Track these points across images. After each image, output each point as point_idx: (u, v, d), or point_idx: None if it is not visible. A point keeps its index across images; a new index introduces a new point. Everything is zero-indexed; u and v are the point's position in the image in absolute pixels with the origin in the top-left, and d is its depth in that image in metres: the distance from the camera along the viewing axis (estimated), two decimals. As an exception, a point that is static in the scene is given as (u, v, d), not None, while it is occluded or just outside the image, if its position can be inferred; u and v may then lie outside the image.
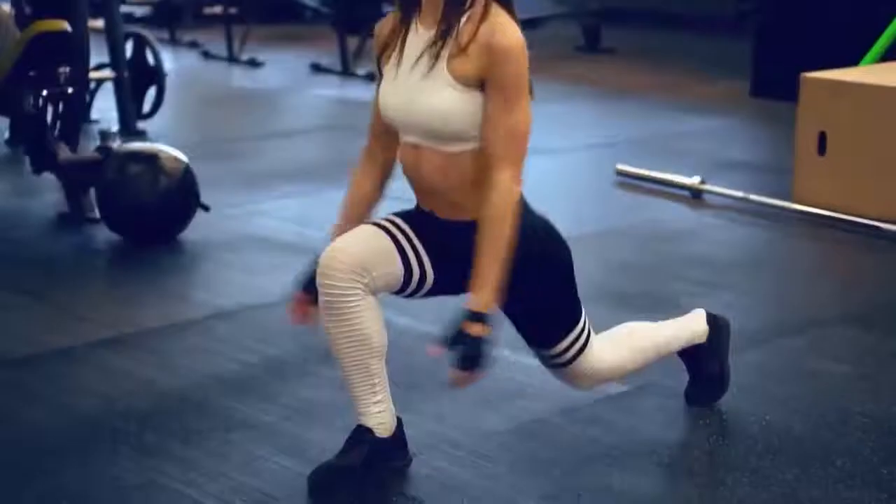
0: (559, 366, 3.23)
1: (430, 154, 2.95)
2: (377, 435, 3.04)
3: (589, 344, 3.21)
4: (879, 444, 3.33)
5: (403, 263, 2.99)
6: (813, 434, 3.40)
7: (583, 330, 3.19)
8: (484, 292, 2.87)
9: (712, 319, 3.55)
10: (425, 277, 3.04)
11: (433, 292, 3.11)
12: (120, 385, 3.69)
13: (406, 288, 3.04)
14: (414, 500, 3.01)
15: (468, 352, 2.87)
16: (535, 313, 3.15)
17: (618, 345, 3.33)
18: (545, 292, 3.09)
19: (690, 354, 3.52)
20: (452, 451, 3.26)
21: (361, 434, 3.05)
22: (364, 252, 2.94)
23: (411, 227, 3.04)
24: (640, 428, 3.43)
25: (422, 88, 2.91)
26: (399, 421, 3.11)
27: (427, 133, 2.94)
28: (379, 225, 3.04)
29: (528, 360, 3.88)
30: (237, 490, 3.04)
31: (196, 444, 3.30)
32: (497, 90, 2.86)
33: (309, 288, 3.07)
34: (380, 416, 3.04)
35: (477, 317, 2.87)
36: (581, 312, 3.19)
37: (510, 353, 3.95)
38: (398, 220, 3.06)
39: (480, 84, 2.88)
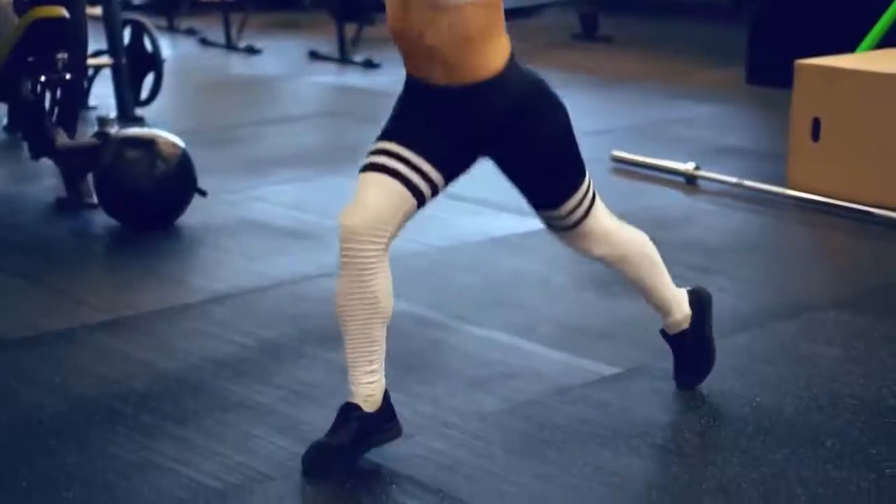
0: (567, 228, 3.28)
1: (422, 9, 2.95)
2: (365, 410, 3.09)
3: (595, 205, 3.29)
4: (868, 426, 3.37)
5: (414, 194, 3.05)
6: (803, 416, 3.44)
7: (588, 190, 3.26)
8: None
9: (696, 299, 3.57)
10: (436, 186, 3.10)
11: (446, 186, 3.15)
12: (117, 367, 3.73)
13: (423, 205, 3.11)
14: (408, 479, 3.05)
15: None
16: (538, 171, 3.17)
17: (623, 227, 3.44)
18: (545, 147, 3.12)
19: (675, 337, 3.55)
20: (447, 431, 3.29)
21: (349, 412, 3.10)
22: (378, 208, 3.01)
23: (409, 138, 3.06)
24: (633, 409, 3.46)
25: None
26: (386, 393, 3.15)
27: None
28: (380, 168, 3.05)
29: (522, 343, 3.94)
30: (233, 469, 3.08)
31: (192, 425, 3.33)
32: None
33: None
34: (370, 388, 3.09)
35: None
36: (585, 172, 3.25)
37: (506, 336, 4.00)
38: (393, 147, 3.06)
39: None
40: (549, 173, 3.17)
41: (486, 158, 3.18)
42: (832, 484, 3.05)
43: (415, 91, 3.11)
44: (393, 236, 3.05)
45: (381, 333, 3.08)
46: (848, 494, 3.00)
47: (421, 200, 3.07)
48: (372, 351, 3.08)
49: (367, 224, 2.99)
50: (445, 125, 3.07)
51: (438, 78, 3.03)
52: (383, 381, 3.13)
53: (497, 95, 3.03)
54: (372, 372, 3.10)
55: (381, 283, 3.03)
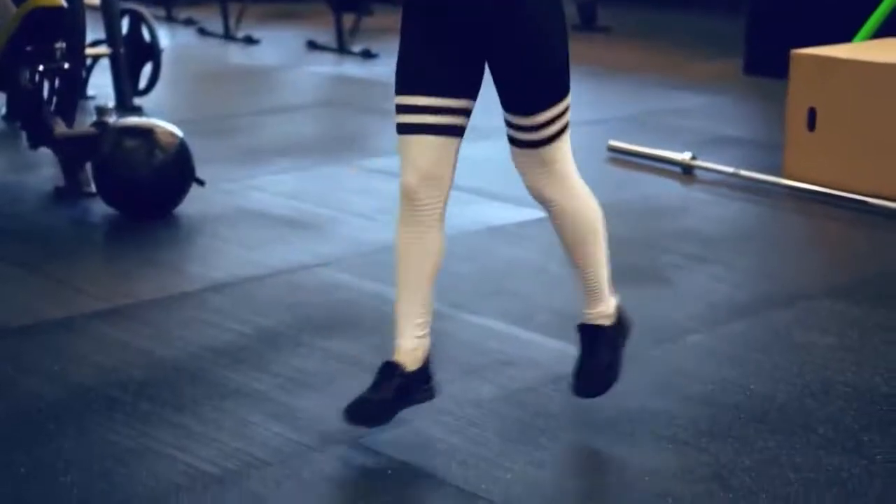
0: (533, 145, 3.15)
1: None
2: (406, 369, 3.17)
3: (566, 136, 3.19)
4: (861, 413, 3.40)
5: (452, 133, 3.12)
6: (796, 403, 3.46)
7: (565, 112, 3.17)
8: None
9: (622, 314, 3.45)
10: (468, 110, 3.15)
11: (476, 97, 3.17)
12: (116, 355, 3.75)
13: (465, 131, 3.17)
14: (404, 464, 3.07)
15: None
16: (527, 68, 3.08)
17: (585, 187, 3.33)
18: (539, 45, 3.07)
19: (591, 328, 3.40)
20: (442, 418, 3.32)
21: (392, 369, 3.17)
22: (428, 164, 3.10)
23: (422, 82, 3.09)
24: (627, 396, 3.48)
25: None
26: (428, 355, 3.23)
27: None
28: (414, 129, 3.11)
29: (519, 331, 3.96)
30: (229, 455, 3.11)
31: (190, 412, 3.36)
32: None
33: None
34: (417, 342, 3.19)
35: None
36: (568, 91, 3.17)
37: (502, 324, 4.02)
38: (415, 101, 3.09)
39: None
40: (536, 72, 3.08)
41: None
42: (824, 470, 3.07)
43: (415, 15, 3.11)
44: (450, 183, 3.15)
45: (431, 289, 3.19)
46: (840, 480, 3.02)
47: (460, 132, 3.14)
48: (425, 304, 3.18)
49: (423, 180, 3.10)
50: (448, 42, 3.07)
51: None
52: (429, 338, 3.22)
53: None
54: (421, 324, 3.19)
55: (440, 236, 3.17)
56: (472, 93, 3.14)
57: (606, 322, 3.39)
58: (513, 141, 3.20)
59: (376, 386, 3.18)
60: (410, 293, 3.17)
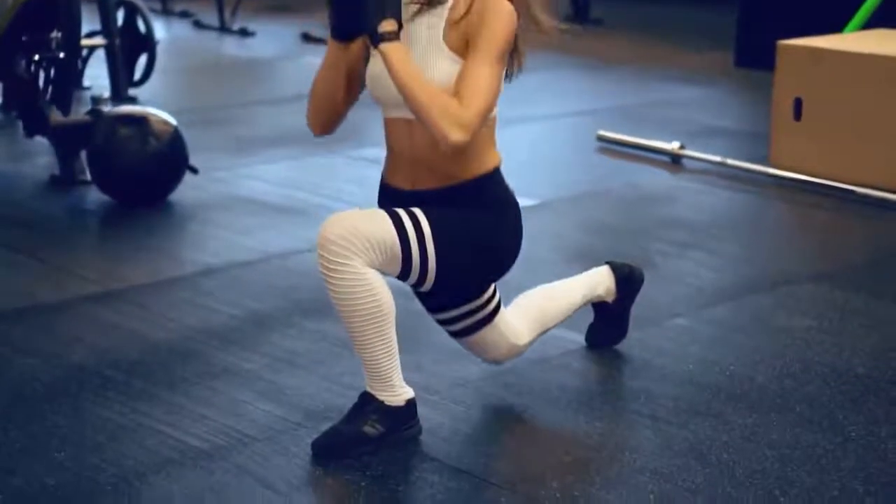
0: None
1: (424, 128, 2.98)
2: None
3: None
4: (838, 392, 3.47)
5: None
6: (775, 383, 3.54)
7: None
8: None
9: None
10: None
11: None
12: (109, 336, 3.83)
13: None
14: (392, 443, 3.14)
15: None
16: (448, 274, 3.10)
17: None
18: (461, 237, 3.08)
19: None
20: (429, 397, 3.39)
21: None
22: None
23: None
24: (609, 377, 3.57)
25: (420, 64, 2.99)
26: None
27: None
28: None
29: (503, 313, 4.03)
30: (219, 431, 3.18)
31: (181, 391, 3.43)
32: (474, 46, 2.97)
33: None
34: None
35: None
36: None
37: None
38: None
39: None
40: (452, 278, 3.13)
41: None
42: (800, 446, 3.15)
43: (383, 197, 3.20)
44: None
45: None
46: (815, 456, 3.10)
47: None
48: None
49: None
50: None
51: (415, 185, 3.10)
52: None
53: (460, 192, 3.07)
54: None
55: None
56: None
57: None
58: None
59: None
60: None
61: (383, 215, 3.03)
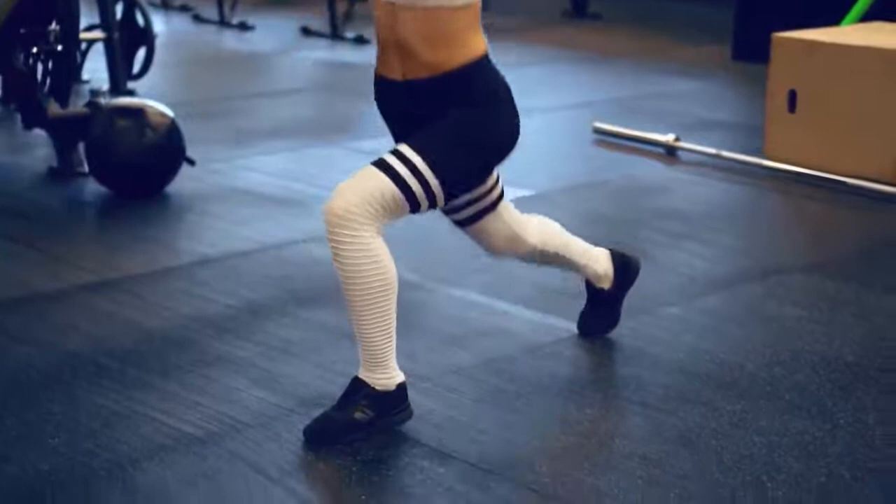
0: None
1: (406, 11, 3.05)
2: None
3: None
4: (827, 380, 3.50)
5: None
6: (765, 371, 3.56)
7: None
8: None
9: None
10: None
11: None
12: (105, 325, 3.86)
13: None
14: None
15: None
16: (447, 126, 3.09)
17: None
18: (458, 126, 3.09)
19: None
20: (421, 384, 3.41)
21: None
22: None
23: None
24: (600, 365, 3.60)
25: None
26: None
27: None
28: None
29: (499, 303, 4.07)
30: (212, 418, 3.21)
31: (176, 378, 3.46)
32: None
33: None
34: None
35: None
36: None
37: (484, 297, 4.12)
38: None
39: None
40: (442, 132, 3.09)
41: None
42: (788, 433, 3.18)
43: (378, 92, 3.22)
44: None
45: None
46: (803, 442, 3.13)
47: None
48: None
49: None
50: (401, 118, 3.19)
51: (405, 74, 3.11)
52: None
53: (449, 84, 3.08)
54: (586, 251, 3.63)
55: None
56: None
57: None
58: (376, 161, 3.12)
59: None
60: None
61: (373, 171, 3.04)
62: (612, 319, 3.77)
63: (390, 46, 3.13)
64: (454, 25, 3.05)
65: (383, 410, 3.11)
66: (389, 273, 3.06)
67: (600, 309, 3.75)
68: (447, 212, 3.39)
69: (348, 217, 2.99)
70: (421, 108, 3.12)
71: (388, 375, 3.12)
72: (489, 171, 3.31)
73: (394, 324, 3.10)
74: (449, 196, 3.15)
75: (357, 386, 3.12)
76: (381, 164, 3.05)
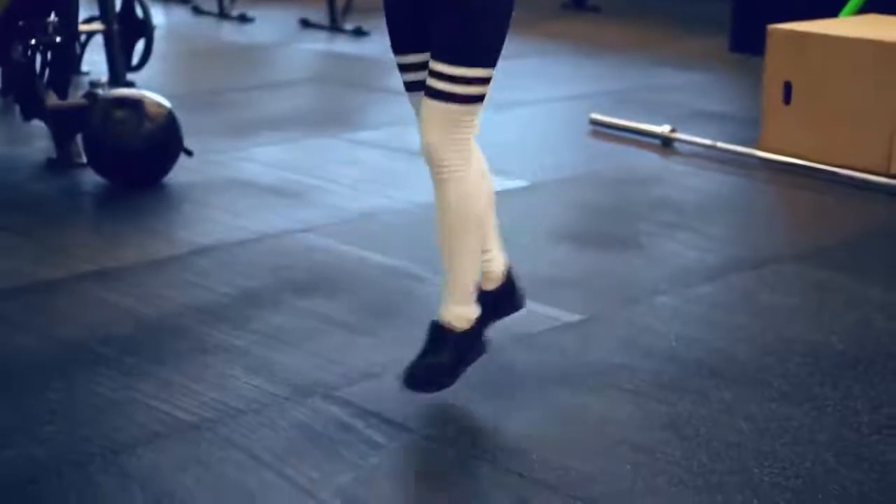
0: (447, 97, 3.11)
1: None
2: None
3: (479, 108, 3.16)
4: (816, 369, 3.53)
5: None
6: (755, 359, 3.60)
7: (485, 82, 3.16)
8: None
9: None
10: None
11: None
12: (102, 314, 3.89)
13: None
14: (371, 413, 3.21)
15: None
16: (454, 23, 3.09)
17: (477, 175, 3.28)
18: (479, 13, 3.08)
19: (437, 334, 3.33)
20: (413, 372, 3.45)
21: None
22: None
23: (404, 43, 3.25)
24: (592, 353, 3.63)
25: None
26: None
27: None
28: (411, 86, 3.28)
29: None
30: (207, 405, 3.25)
31: (172, 366, 3.50)
32: None
33: None
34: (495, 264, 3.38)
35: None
36: (493, 65, 3.17)
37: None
38: (404, 59, 3.26)
39: None
40: (464, 28, 3.08)
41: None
42: (776, 419, 3.21)
43: (398, 10, 3.24)
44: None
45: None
46: (790, 428, 3.16)
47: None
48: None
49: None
50: (413, 13, 3.20)
51: None
52: (496, 263, 3.39)
53: None
54: (487, 250, 3.38)
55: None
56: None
57: (460, 326, 3.30)
58: (428, 91, 3.14)
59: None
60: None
61: (433, 105, 3.12)
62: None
63: None
64: None
65: (467, 350, 3.28)
66: (485, 202, 3.22)
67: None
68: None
69: (439, 153, 3.13)
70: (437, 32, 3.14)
71: (472, 310, 3.29)
72: (505, 37, 3.21)
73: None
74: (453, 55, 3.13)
75: (441, 331, 3.26)
76: (434, 94, 3.12)
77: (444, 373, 3.25)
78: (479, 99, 3.15)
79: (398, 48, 3.28)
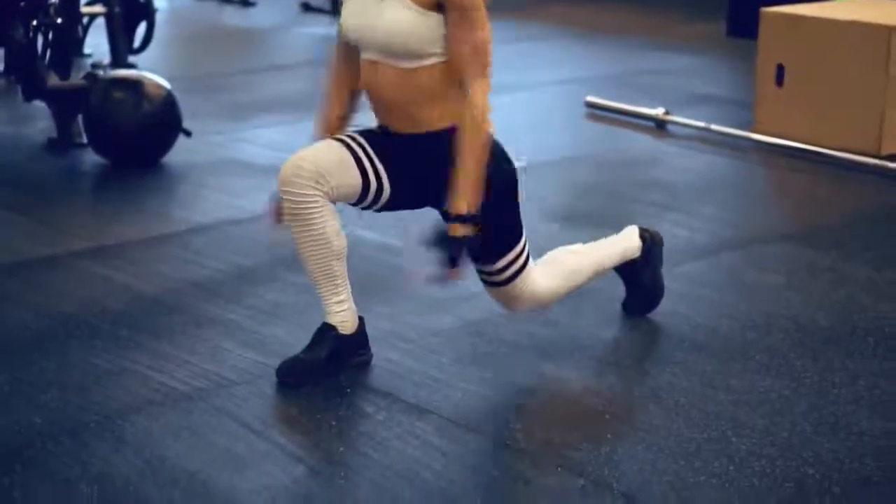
0: (497, 284, 3.40)
1: (387, 69, 3.20)
2: (340, 332, 3.32)
3: (528, 267, 3.41)
4: (797, 343, 3.60)
5: (361, 174, 3.25)
6: (738, 334, 3.67)
7: (522, 251, 3.38)
8: (467, 194, 3.14)
9: (646, 234, 3.78)
10: (382, 190, 3.29)
11: (390, 206, 3.36)
12: (98, 289, 3.97)
13: (364, 199, 3.30)
14: (361, 385, 3.29)
15: (453, 252, 3.15)
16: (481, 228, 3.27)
17: (555, 270, 3.52)
18: (492, 208, 3.25)
19: (625, 268, 3.75)
20: (403, 345, 3.53)
21: (326, 331, 3.33)
22: (323, 162, 3.21)
23: (370, 144, 3.29)
24: (578, 327, 3.70)
25: (381, 11, 3.15)
26: (361, 320, 3.39)
27: (385, 51, 3.18)
28: (338, 139, 3.30)
29: (479, 267, 4.16)
30: (200, 375, 3.32)
31: (166, 339, 3.57)
32: (455, 8, 3.10)
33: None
34: (342, 315, 3.33)
35: (461, 218, 3.14)
36: (522, 234, 3.38)
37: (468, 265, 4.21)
38: (357, 136, 3.32)
39: (437, 6, 3.12)
40: (489, 232, 3.24)
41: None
42: (756, 391, 3.28)
43: (380, 133, 3.33)
44: (333, 198, 3.24)
45: (340, 268, 3.30)
46: (769, 400, 3.23)
47: (365, 187, 3.25)
48: (336, 284, 3.32)
49: (309, 172, 3.21)
50: (405, 165, 3.28)
51: (399, 128, 3.26)
52: (354, 307, 3.37)
53: (448, 146, 3.18)
54: (340, 301, 3.33)
55: (329, 226, 3.24)
56: (397, 196, 3.33)
57: (633, 256, 3.73)
58: (483, 281, 3.44)
59: (311, 347, 3.34)
60: (320, 279, 3.31)
61: (499, 290, 3.42)
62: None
63: (376, 102, 3.29)
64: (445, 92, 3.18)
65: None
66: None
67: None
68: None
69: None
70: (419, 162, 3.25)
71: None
72: (519, 207, 3.39)
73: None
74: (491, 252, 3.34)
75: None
76: (495, 284, 3.40)
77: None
78: (524, 267, 3.37)
79: (369, 142, 3.30)
